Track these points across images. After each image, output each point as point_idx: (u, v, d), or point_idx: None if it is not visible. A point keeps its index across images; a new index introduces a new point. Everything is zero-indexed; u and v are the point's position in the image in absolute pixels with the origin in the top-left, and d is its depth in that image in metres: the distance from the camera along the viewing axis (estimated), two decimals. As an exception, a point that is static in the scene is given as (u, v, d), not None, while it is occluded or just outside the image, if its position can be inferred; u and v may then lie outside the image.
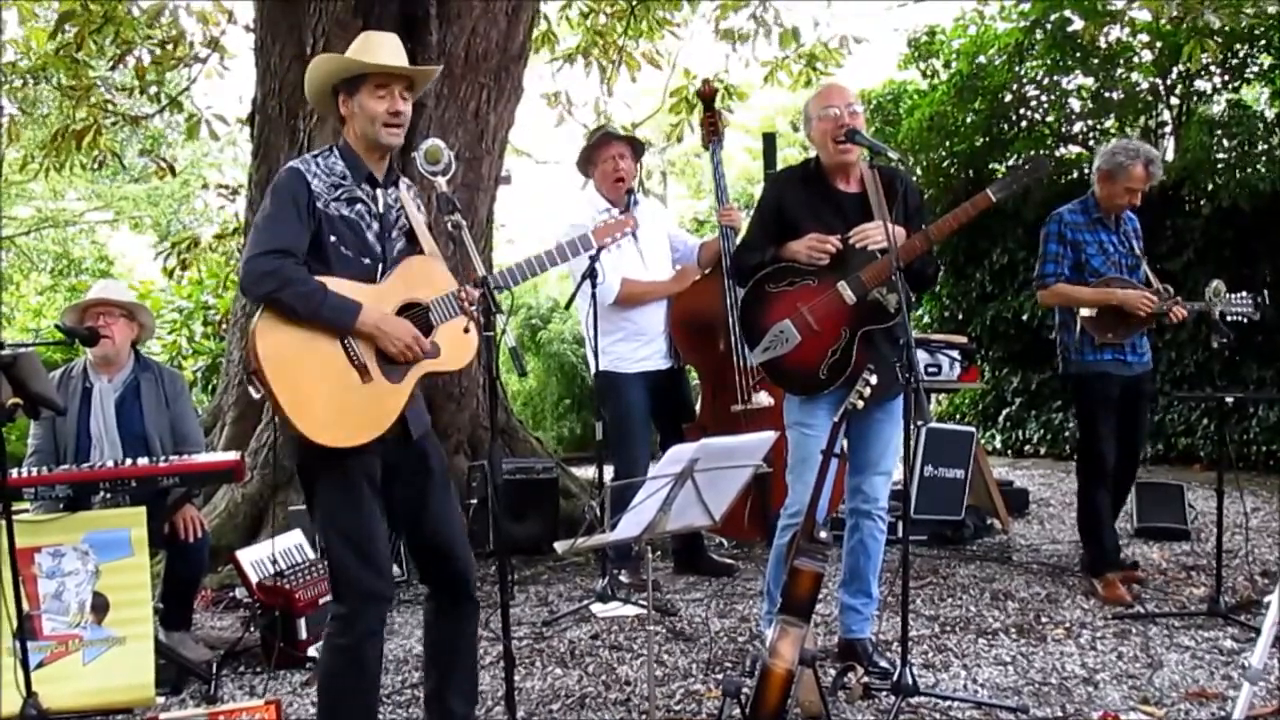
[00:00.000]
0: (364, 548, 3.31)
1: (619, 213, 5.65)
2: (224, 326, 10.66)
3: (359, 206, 3.39)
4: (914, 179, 10.81)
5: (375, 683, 3.46)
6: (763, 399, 6.01)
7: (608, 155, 5.97)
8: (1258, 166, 9.14)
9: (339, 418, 3.24)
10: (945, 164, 11.24)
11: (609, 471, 5.81)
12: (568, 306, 6.66)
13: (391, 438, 3.36)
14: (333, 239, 3.33)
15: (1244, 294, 5.29)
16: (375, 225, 3.42)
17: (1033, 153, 11.05)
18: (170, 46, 9.02)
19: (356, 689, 3.38)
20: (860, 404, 3.88)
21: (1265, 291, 5.36)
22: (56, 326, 4.97)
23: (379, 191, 3.43)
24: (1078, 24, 10.06)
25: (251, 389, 3.27)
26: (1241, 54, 10.08)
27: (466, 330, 3.40)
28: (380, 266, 3.41)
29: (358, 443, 3.25)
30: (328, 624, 3.41)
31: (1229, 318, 5.25)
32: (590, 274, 5.45)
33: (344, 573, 3.34)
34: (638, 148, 6.21)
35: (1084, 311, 5.39)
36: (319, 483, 3.36)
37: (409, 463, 3.46)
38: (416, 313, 3.37)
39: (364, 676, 3.38)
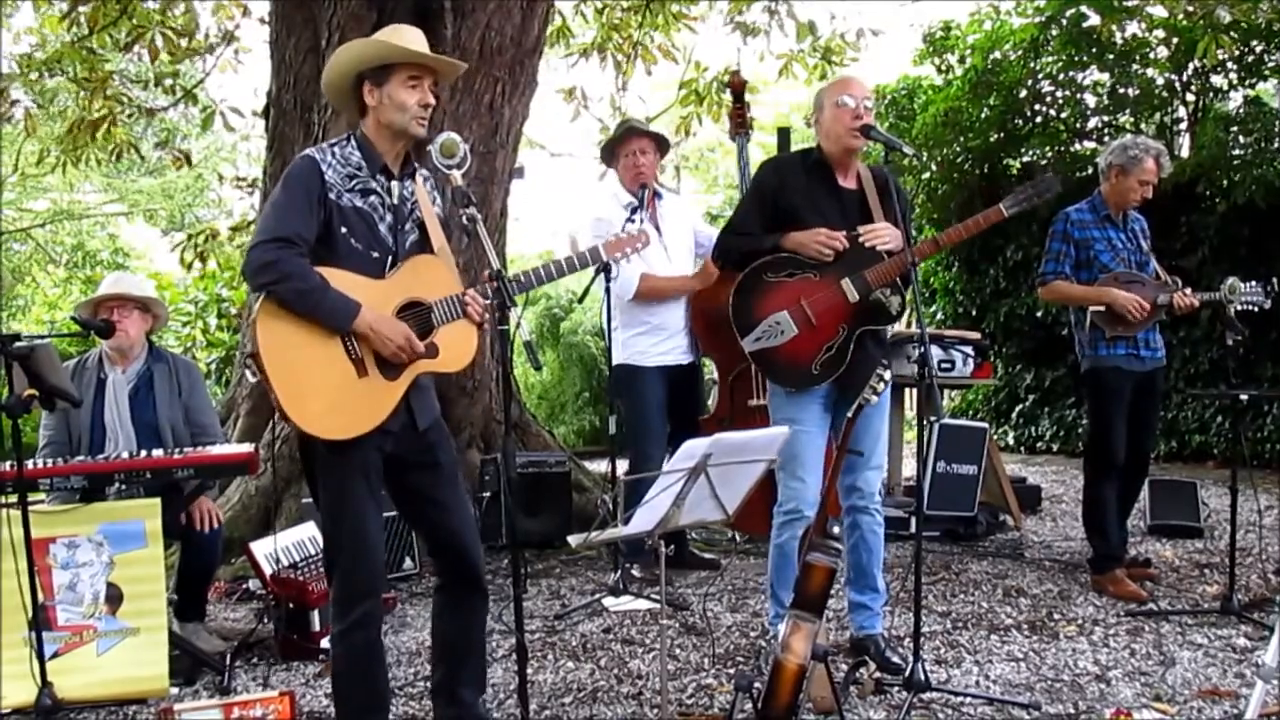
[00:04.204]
0: (354, 541, 3.37)
1: (637, 207, 5.72)
2: (239, 319, 10.69)
3: (373, 198, 3.40)
4: (927, 175, 10.88)
5: (372, 669, 3.49)
6: None
7: (630, 150, 6.00)
8: (1274, 163, 9.08)
9: (332, 410, 3.27)
10: (959, 159, 11.20)
11: (621, 465, 5.81)
12: (581, 300, 6.69)
13: (398, 428, 3.40)
14: (343, 230, 3.34)
15: (1253, 283, 5.29)
16: (389, 217, 3.43)
17: (1048, 148, 11.03)
18: (185, 41, 9.03)
19: (351, 673, 3.44)
20: (874, 399, 3.89)
21: (1276, 280, 5.34)
22: (72, 318, 4.99)
23: (394, 184, 3.43)
24: (1094, 19, 10.02)
25: (249, 373, 3.30)
26: (1258, 50, 10.02)
27: (481, 325, 3.43)
28: (390, 259, 3.42)
29: (349, 436, 3.28)
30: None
31: (1238, 307, 5.24)
32: (604, 268, 5.45)
33: (336, 565, 3.43)
34: (661, 143, 6.21)
35: (1093, 306, 5.40)
36: (318, 476, 3.43)
37: (416, 454, 3.49)
38: (419, 312, 3.39)
39: (357, 663, 3.44)
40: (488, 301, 3.39)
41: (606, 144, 6.27)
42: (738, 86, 6.81)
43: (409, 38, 3.42)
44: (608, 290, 5.59)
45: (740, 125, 6.67)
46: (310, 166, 3.34)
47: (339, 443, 3.29)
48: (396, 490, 3.55)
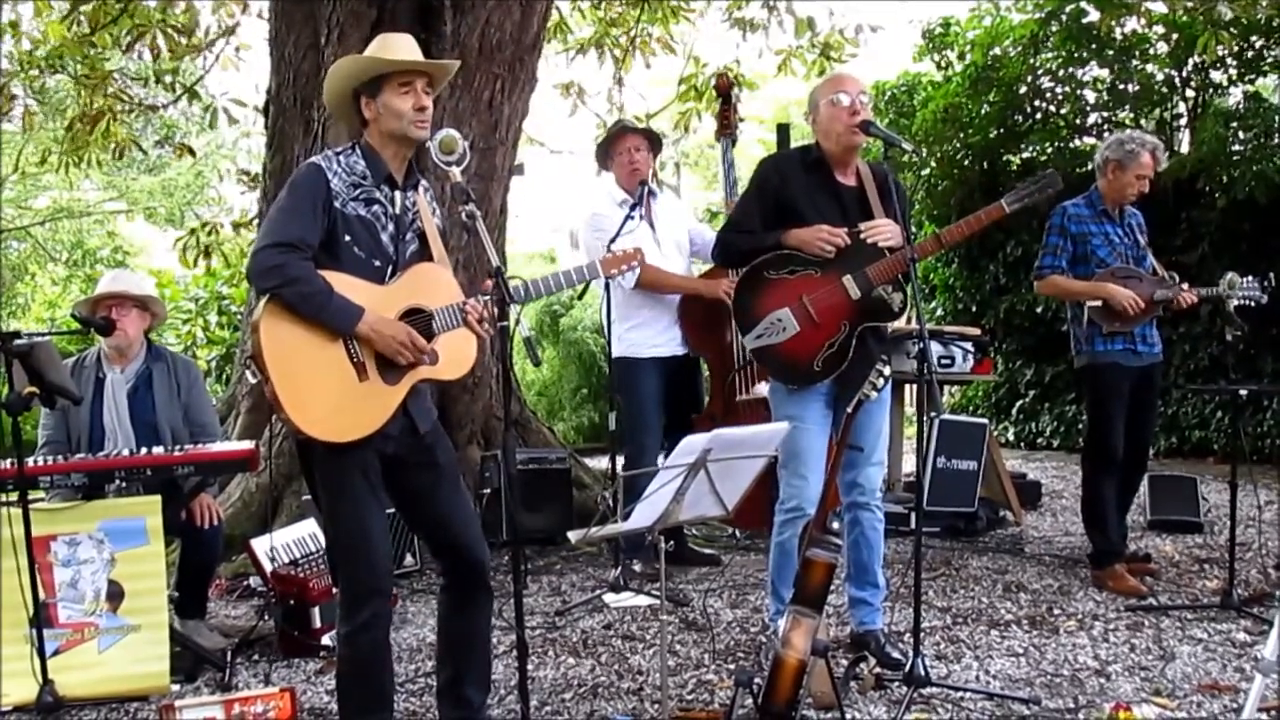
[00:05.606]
0: (358, 543, 3.38)
1: (635, 204, 5.72)
2: (240, 317, 10.69)
3: (376, 208, 3.43)
4: (926, 171, 10.86)
5: (377, 670, 3.49)
6: (763, 390, 6.00)
7: (624, 148, 6.00)
8: (1273, 159, 9.09)
9: (332, 413, 3.28)
10: (959, 156, 11.21)
11: (621, 462, 5.81)
12: (581, 296, 6.69)
13: (398, 432, 3.42)
14: (347, 238, 3.36)
15: (1251, 278, 5.29)
16: (390, 227, 3.46)
17: (1047, 144, 11.02)
18: (185, 39, 9.03)
19: (356, 674, 3.46)
20: (874, 394, 3.89)
21: (1275, 276, 5.34)
22: (72, 315, 4.98)
23: (397, 194, 3.46)
24: (1093, 15, 10.01)
25: (249, 374, 3.32)
26: (1258, 45, 10.03)
27: (483, 322, 3.45)
28: (391, 268, 3.45)
29: (347, 439, 3.30)
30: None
31: (1236, 302, 5.24)
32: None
33: (340, 566, 3.48)
34: (655, 140, 6.21)
35: (1090, 302, 5.40)
36: (317, 477, 3.45)
37: (416, 456, 3.50)
38: (420, 319, 3.40)
39: (362, 663, 3.44)
40: (487, 299, 3.41)
41: (601, 145, 6.28)
42: (724, 88, 6.80)
43: (395, 46, 3.44)
44: (607, 288, 5.59)
45: (725, 127, 6.66)
46: (316, 174, 3.36)
47: (338, 444, 3.30)
48: (396, 492, 3.56)
